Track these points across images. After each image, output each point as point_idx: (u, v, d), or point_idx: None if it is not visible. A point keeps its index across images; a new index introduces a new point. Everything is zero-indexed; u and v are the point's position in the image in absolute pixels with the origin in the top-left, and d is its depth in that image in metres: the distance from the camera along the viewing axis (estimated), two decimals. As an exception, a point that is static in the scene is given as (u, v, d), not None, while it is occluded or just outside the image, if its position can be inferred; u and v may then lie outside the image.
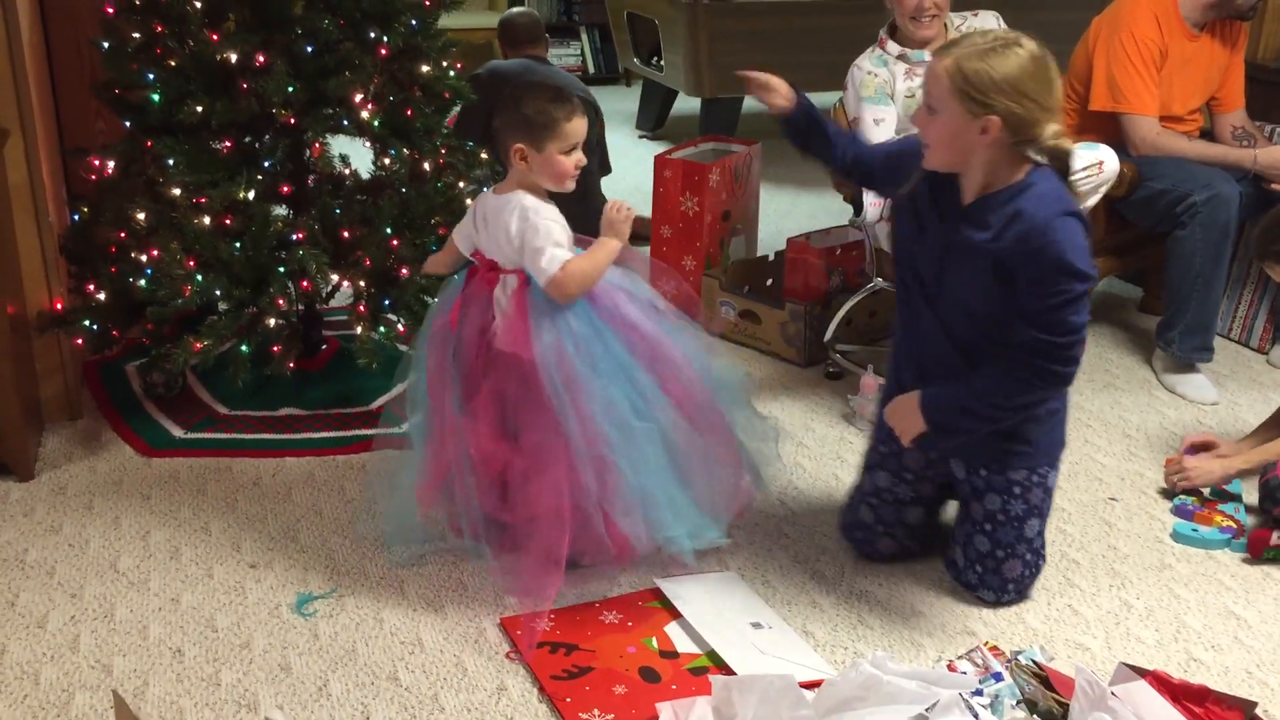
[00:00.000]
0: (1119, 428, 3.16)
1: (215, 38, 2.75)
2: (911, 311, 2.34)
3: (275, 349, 2.85)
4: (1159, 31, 3.37)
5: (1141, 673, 1.98)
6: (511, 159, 2.30)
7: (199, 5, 2.78)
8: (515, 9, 4.81)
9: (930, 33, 3.20)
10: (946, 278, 2.24)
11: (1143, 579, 2.50)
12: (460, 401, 2.34)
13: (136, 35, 2.83)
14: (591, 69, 7.56)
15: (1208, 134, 3.60)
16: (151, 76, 2.80)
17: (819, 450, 3.02)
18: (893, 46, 3.24)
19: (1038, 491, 2.33)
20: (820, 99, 5.51)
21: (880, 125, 3.17)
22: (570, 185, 2.33)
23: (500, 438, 2.33)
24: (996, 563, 2.33)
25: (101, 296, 2.87)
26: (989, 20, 3.30)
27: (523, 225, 2.27)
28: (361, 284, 2.88)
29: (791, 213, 4.94)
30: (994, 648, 2.19)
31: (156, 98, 2.80)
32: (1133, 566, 2.53)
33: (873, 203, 2.92)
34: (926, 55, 3.21)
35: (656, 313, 2.38)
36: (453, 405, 2.33)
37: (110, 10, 2.88)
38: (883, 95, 3.18)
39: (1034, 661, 2.10)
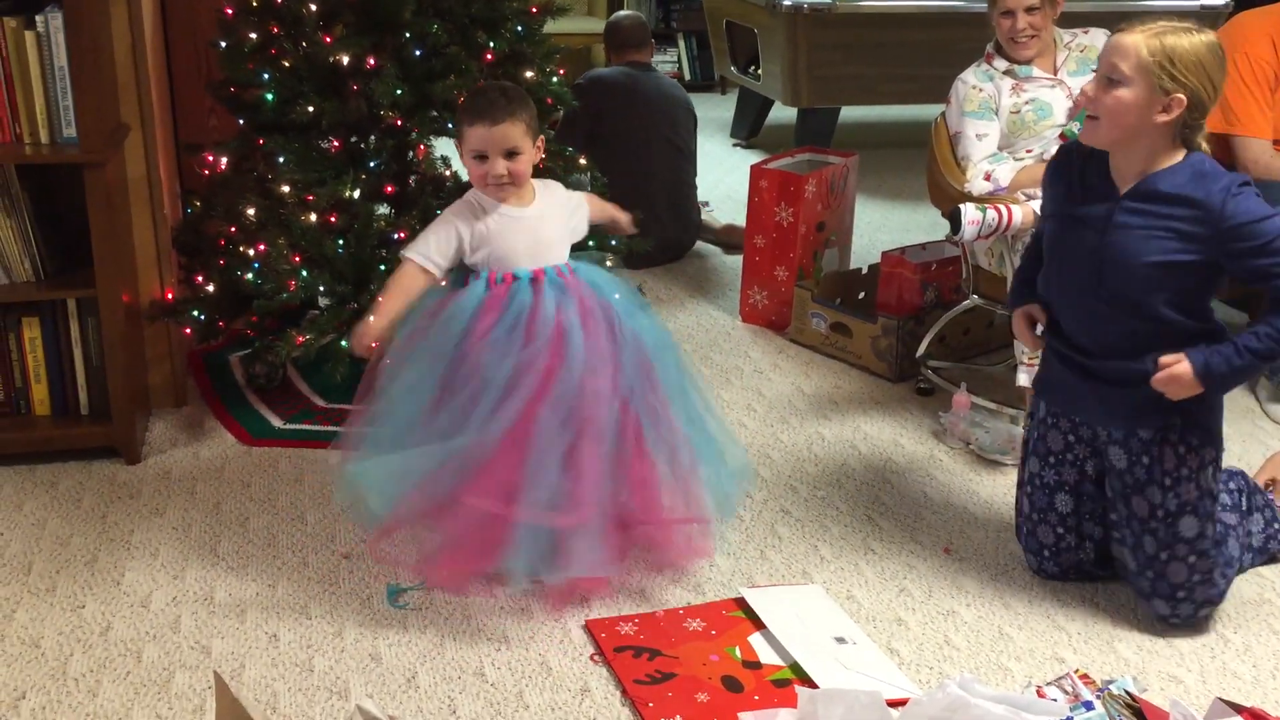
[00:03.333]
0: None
1: (328, 40, 2.83)
2: (1065, 295, 2.36)
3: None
4: (1274, 53, 3.29)
5: (1238, 709, 1.94)
6: None
7: (314, 8, 2.86)
8: (622, 13, 4.84)
9: (1030, 52, 3.16)
10: (1107, 267, 2.25)
11: (1240, 613, 2.43)
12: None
13: (253, 36, 2.92)
14: (688, 76, 7.57)
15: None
16: (266, 76, 2.88)
17: (907, 467, 2.99)
18: (1000, 62, 3.20)
19: (1189, 487, 2.29)
20: (920, 112, 5.43)
21: (983, 140, 3.14)
22: (490, 192, 2.34)
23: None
24: (1162, 566, 2.31)
25: (210, 288, 2.96)
26: (1100, 38, 3.24)
27: None
28: (459, 285, 2.93)
29: (885, 225, 4.90)
30: (1084, 676, 2.15)
31: (270, 97, 2.88)
32: (1230, 600, 2.46)
33: (971, 220, 2.89)
34: (1034, 71, 3.17)
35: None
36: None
37: (229, 12, 2.97)
38: (986, 110, 3.15)
39: (1126, 692, 2.06)
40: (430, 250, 2.36)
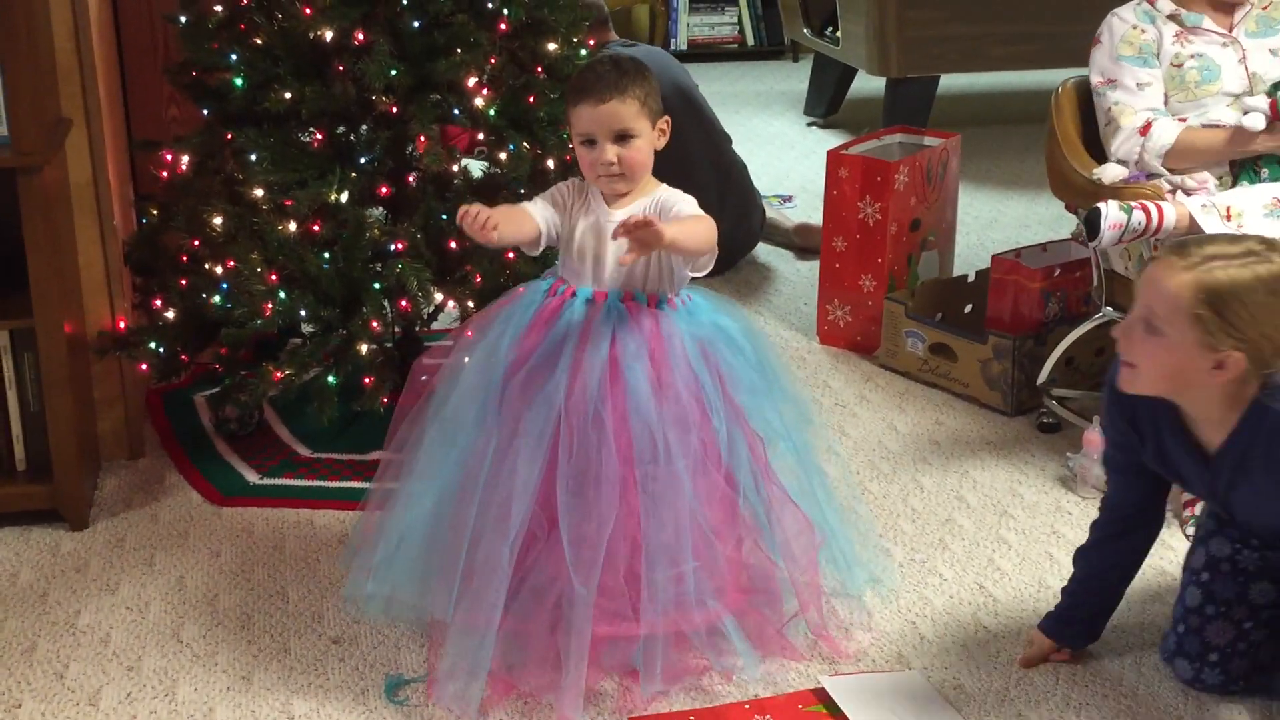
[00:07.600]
0: None
1: (308, 12, 2.87)
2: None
3: (367, 381, 2.94)
4: None
5: None
6: None
7: (291, -26, 2.91)
8: None
9: None
10: (1237, 513, 2.28)
11: None
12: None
13: (218, 9, 2.98)
14: (750, 41, 7.62)
15: None
16: (234, 57, 2.94)
17: (1029, 523, 2.97)
18: (1164, 3, 3.16)
19: None
20: (1038, 79, 5.39)
21: (1145, 90, 3.08)
22: (601, 185, 2.37)
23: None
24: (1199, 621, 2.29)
25: (169, 314, 3.02)
26: None
27: None
28: (470, 304, 2.95)
29: (997, 222, 4.88)
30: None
31: (239, 82, 2.93)
32: None
33: (1112, 224, 2.84)
34: (1205, 21, 3.12)
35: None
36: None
37: (190, -20, 3.03)
38: (1149, 55, 3.11)
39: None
40: (535, 207, 2.40)
